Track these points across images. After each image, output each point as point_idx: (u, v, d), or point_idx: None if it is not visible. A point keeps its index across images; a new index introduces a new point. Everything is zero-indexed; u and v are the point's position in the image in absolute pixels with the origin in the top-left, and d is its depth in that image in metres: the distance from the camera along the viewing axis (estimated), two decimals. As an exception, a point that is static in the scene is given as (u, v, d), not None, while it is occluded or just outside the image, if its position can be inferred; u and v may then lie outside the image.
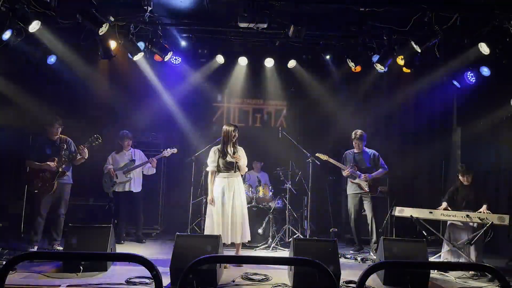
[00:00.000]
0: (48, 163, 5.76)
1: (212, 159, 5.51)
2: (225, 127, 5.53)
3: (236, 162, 5.43)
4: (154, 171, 6.92)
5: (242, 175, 5.67)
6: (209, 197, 5.48)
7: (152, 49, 6.77)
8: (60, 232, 5.91)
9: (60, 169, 5.80)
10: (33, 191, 5.78)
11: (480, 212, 5.48)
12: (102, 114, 7.83)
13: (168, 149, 6.72)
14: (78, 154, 5.87)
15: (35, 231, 5.75)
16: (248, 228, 5.53)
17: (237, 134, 5.48)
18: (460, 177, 5.80)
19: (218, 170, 5.50)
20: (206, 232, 5.41)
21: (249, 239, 5.62)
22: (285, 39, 6.83)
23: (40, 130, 6.07)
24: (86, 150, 5.87)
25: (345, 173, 6.56)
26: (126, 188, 6.68)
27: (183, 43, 7.22)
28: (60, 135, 5.98)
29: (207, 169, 5.61)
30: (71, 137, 6.09)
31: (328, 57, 7.43)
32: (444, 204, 5.69)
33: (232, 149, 5.47)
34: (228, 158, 5.43)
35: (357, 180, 6.51)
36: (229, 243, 5.37)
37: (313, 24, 6.17)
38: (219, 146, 5.56)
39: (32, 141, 6.51)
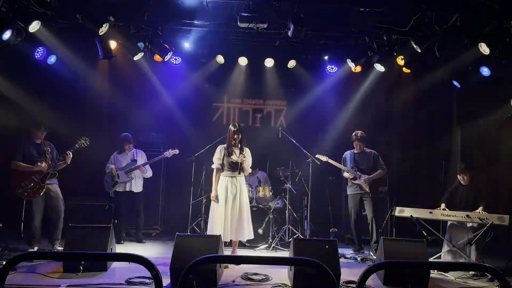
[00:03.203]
0: (38, 164, 5.65)
1: (218, 157, 5.52)
2: (229, 127, 5.56)
3: (241, 164, 5.44)
4: (151, 175, 6.90)
5: (245, 175, 5.69)
6: (212, 194, 5.50)
7: (152, 49, 6.77)
8: (60, 231, 5.87)
9: (50, 171, 5.72)
10: (21, 194, 5.59)
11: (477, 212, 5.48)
12: (102, 114, 7.82)
13: (170, 150, 6.73)
14: (61, 159, 5.77)
15: (32, 234, 5.73)
16: (251, 226, 5.57)
17: (240, 135, 5.47)
18: (458, 176, 5.78)
19: (223, 168, 5.51)
20: (208, 230, 5.43)
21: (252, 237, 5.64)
22: (285, 39, 6.82)
23: (25, 131, 5.92)
24: (70, 156, 5.76)
25: (348, 175, 6.57)
26: (127, 188, 6.68)
27: (183, 43, 7.21)
28: (43, 140, 5.87)
29: (212, 166, 5.61)
30: (70, 138, 6.05)
31: (327, 57, 7.42)
32: (443, 206, 5.68)
33: (238, 149, 5.49)
34: (234, 158, 5.45)
35: (357, 181, 6.51)
36: (236, 240, 5.46)
37: (313, 24, 6.16)
38: (225, 144, 5.57)
39: (18, 141, 6.06)
